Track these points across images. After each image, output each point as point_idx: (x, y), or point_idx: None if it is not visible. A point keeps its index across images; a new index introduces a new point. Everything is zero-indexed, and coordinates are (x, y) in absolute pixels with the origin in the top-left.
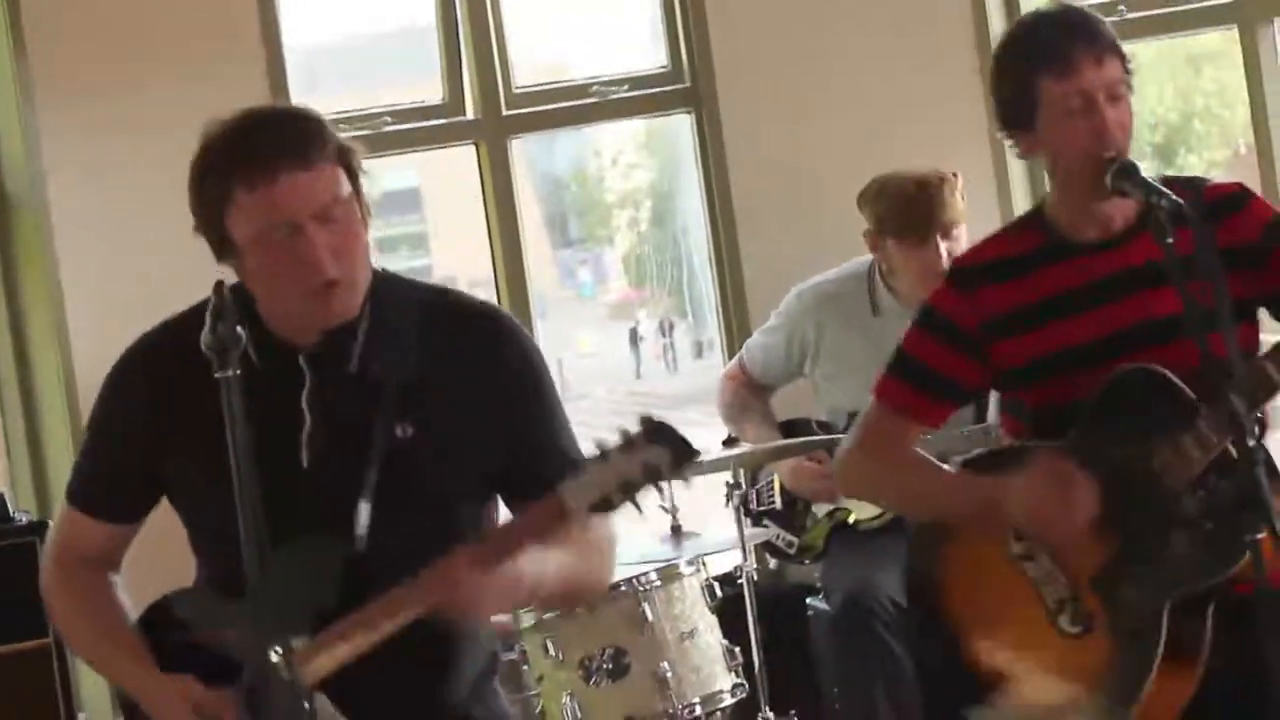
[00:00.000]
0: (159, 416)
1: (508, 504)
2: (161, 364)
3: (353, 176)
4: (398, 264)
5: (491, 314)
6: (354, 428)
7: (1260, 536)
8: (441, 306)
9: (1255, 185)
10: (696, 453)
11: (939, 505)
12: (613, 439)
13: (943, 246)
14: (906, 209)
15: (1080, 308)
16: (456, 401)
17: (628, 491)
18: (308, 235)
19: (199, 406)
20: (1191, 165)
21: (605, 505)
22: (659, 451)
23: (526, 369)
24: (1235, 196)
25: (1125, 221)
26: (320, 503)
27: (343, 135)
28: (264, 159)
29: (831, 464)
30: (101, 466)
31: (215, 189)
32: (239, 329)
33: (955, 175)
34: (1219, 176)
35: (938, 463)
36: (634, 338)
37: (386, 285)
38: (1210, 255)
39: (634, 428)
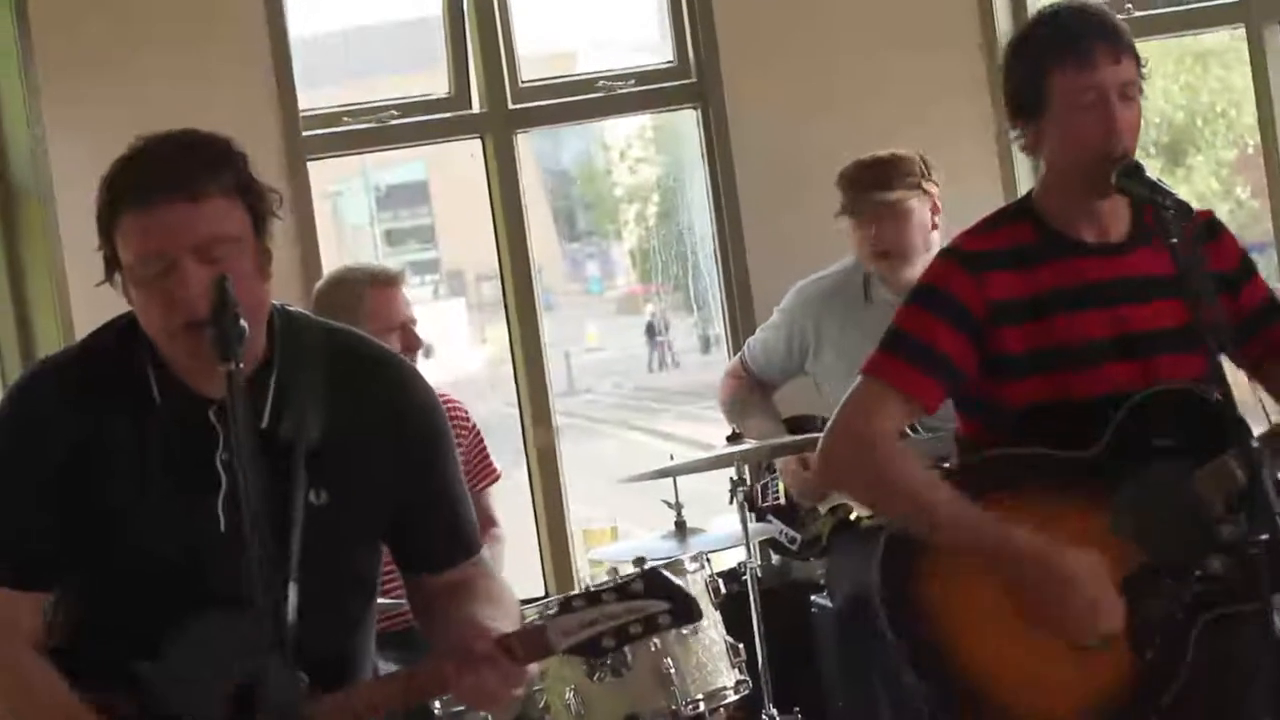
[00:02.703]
0: (74, 455)
1: (397, 563)
2: (73, 399)
3: (258, 219)
4: (406, 257)
5: (395, 365)
6: (269, 494)
7: (1264, 538)
8: (344, 354)
9: (1261, 184)
10: (699, 610)
11: (933, 526)
12: (606, 582)
13: (889, 228)
14: (853, 185)
15: (1082, 306)
16: (363, 463)
17: (622, 640)
18: (180, 271)
19: (119, 441)
20: (1199, 165)
21: (594, 648)
22: (659, 605)
23: (429, 429)
24: (1211, 224)
25: (1120, 230)
26: (238, 574)
27: (269, 167)
28: (150, 184)
29: (818, 446)
30: (10, 525)
31: (107, 207)
32: (241, 323)
33: (926, 164)
34: (1224, 176)
35: (932, 476)
36: (651, 331)
37: (291, 329)
38: (1204, 274)
39: (633, 576)
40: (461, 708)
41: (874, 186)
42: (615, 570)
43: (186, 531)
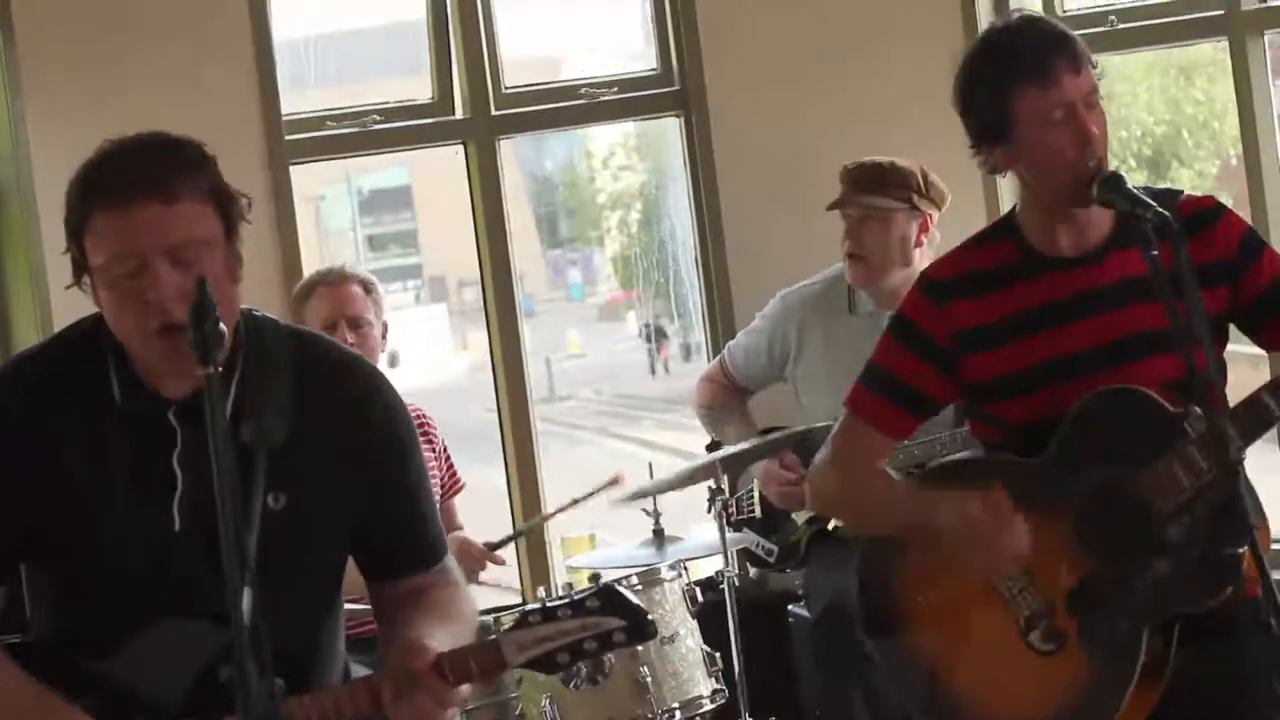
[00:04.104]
0: (33, 452)
1: (361, 568)
2: (33, 397)
3: (229, 222)
4: (388, 262)
5: (360, 369)
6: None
7: (1241, 551)
8: (309, 358)
9: (1244, 197)
10: (653, 628)
11: (889, 518)
12: (562, 599)
13: (865, 233)
14: (844, 185)
15: (1052, 323)
16: (324, 467)
17: (576, 655)
18: (153, 273)
19: (78, 440)
20: (1181, 177)
21: (548, 664)
22: (614, 622)
23: (394, 432)
24: (1210, 211)
25: (1100, 237)
26: (192, 575)
27: (245, 182)
28: (124, 185)
29: (807, 474)
30: None
31: (78, 207)
32: (220, 326)
33: (924, 175)
34: (1207, 188)
35: (895, 479)
36: (653, 335)
37: (257, 332)
38: (1186, 272)
39: (589, 592)
40: None
41: (862, 188)
42: (597, 576)
43: (141, 532)
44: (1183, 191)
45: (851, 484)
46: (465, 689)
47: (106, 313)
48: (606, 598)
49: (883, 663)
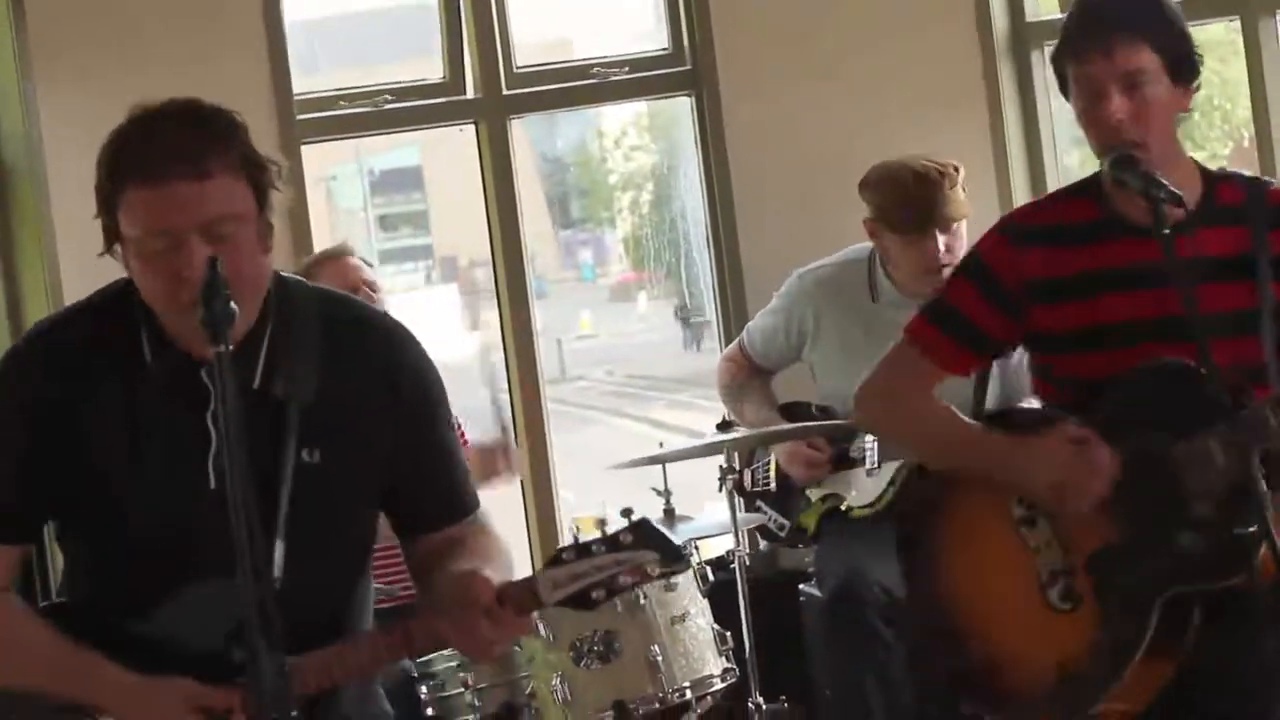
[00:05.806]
0: (64, 415)
1: (393, 524)
2: (63, 359)
3: (260, 193)
4: (399, 243)
5: (388, 327)
6: (261, 452)
7: (1252, 530)
8: (339, 318)
9: None
10: (686, 559)
11: (954, 454)
12: (596, 535)
13: (941, 241)
14: (905, 202)
15: (1126, 287)
16: (356, 422)
17: (611, 591)
18: (187, 249)
19: (110, 400)
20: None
21: (584, 600)
22: (648, 555)
23: (422, 389)
24: None
25: (1182, 212)
26: (227, 533)
27: (263, 151)
28: (156, 161)
29: (855, 392)
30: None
31: (111, 178)
32: (231, 305)
33: (957, 169)
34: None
35: (958, 412)
36: (679, 315)
37: (287, 294)
38: (1265, 255)
39: (622, 527)
40: (447, 693)
41: (936, 202)
42: (603, 522)
43: (177, 489)
44: (1272, 182)
45: (905, 412)
46: (530, 619)
47: (139, 281)
48: (639, 532)
49: (907, 604)
